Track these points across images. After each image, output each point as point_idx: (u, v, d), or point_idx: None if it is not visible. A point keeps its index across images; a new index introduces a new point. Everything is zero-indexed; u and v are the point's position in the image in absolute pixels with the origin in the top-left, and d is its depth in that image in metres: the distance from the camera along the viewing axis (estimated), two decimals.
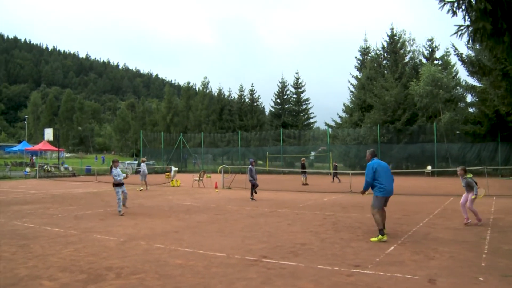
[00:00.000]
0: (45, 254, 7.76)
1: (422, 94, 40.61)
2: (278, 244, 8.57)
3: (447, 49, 47.38)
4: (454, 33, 7.78)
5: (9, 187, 26.04)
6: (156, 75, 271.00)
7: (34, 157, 56.76)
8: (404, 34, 51.34)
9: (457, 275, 6.18)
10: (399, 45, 50.72)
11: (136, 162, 46.98)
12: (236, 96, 70.08)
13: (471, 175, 10.98)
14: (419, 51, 50.13)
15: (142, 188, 23.53)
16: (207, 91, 76.18)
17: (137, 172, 32.39)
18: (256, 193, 18.27)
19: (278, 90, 64.59)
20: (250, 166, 18.57)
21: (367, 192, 9.50)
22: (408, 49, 50.77)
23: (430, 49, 48.16)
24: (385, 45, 51.88)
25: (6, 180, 34.01)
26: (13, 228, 10.74)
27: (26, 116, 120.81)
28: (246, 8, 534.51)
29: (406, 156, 42.19)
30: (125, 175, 14.05)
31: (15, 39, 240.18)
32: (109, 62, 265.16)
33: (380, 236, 8.83)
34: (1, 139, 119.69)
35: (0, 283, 6.03)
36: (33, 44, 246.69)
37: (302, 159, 29.84)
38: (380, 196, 9.08)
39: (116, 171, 13.69)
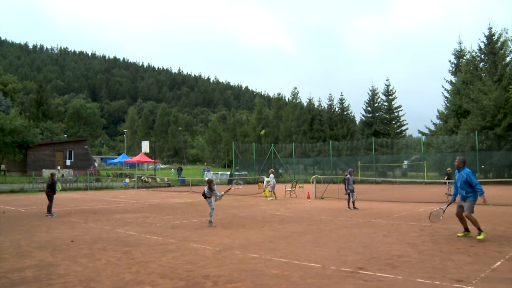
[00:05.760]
0: (146, 261, 8.12)
1: None
2: (374, 255, 8.33)
3: None
4: None
5: (111, 197, 27.65)
6: (246, 87, 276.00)
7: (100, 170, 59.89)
8: (506, 33, 48.01)
9: None
10: (498, 44, 47.69)
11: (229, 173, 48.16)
12: (326, 106, 69.74)
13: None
14: None
15: (271, 198, 24.06)
16: (297, 101, 76.34)
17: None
18: (351, 206, 18.01)
19: (369, 98, 63.47)
20: (348, 176, 18.29)
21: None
22: (510, 48, 47.55)
23: None
24: (482, 47, 48.91)
25: (108, 190, 36.17)
26: (117, 235, 11.38)
27: (125, 130, 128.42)
28: (330, 15, 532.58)
29: (508, 164, 39.43)
30: (220, 194, 14.16)
31: (115, 58, 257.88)
32: (200, 76, 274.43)
33: None
34: (103, 151, 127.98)
35: (109, 285, 6.45)
36: (130, 62, 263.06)
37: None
38: None
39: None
